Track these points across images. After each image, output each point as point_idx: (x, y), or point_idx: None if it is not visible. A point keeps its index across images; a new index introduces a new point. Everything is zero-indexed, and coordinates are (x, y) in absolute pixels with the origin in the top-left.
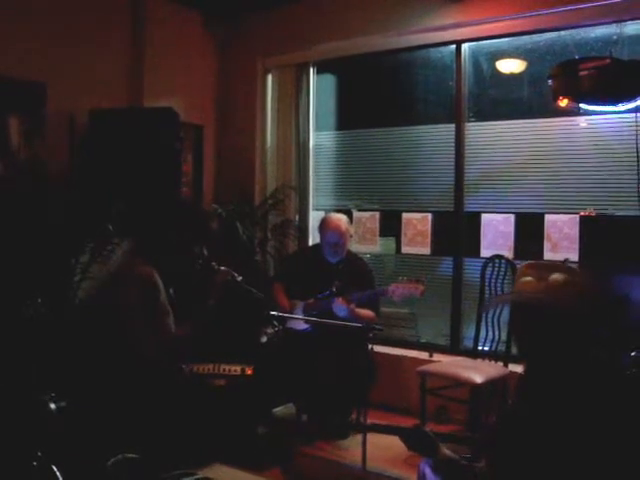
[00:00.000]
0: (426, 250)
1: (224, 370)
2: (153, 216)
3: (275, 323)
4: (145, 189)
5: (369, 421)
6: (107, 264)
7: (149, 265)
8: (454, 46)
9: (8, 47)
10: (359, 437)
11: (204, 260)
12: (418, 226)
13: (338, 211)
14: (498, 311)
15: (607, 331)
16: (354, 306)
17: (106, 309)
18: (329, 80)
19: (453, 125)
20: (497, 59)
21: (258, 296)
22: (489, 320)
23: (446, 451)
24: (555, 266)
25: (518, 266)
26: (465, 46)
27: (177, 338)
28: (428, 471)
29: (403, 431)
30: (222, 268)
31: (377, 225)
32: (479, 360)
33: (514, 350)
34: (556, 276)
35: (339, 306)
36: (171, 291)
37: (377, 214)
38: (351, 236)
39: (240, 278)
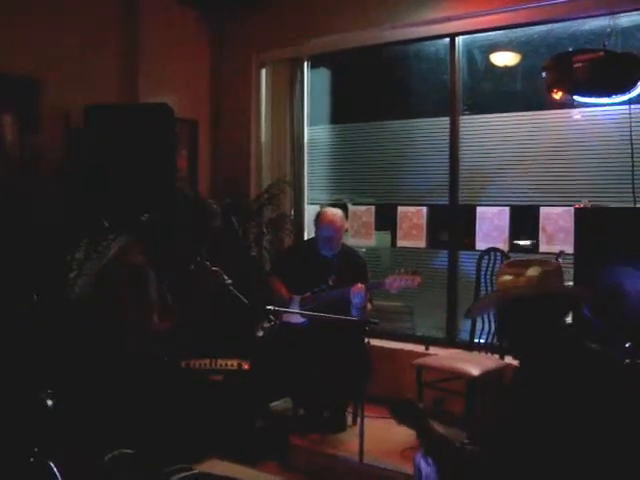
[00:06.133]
0: (421, 243)
1: (221, 365)
2: (160, 213)
3: (271, 317)
4: (140, 185)
5: (366, 414)
6: (102, 260)
7: (143, 255)
8: (448, 39)
9: (2, 43)
10: (356, 430)
11: (201, 258)
12: (413, 219)
13: (333, 205)
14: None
15: (602, 322)
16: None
17: (97, 298)
18: (323, 74)
19: (448, 118)
20: (491, 52)
21: (243, 302)
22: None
23: (437, 427)
24: (531, 261)
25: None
26: (459, 39)
27: (158, 330)
28: (423, 463)
29: (391, 404)
30: (214, 268)
31: (372, 219)
32: (475, 353)
33: None
34: (532, 270)
35: (358, 292)
36: (164, 286)
37: (372, 208)
38: (346, 230)
39: (229, 281)
